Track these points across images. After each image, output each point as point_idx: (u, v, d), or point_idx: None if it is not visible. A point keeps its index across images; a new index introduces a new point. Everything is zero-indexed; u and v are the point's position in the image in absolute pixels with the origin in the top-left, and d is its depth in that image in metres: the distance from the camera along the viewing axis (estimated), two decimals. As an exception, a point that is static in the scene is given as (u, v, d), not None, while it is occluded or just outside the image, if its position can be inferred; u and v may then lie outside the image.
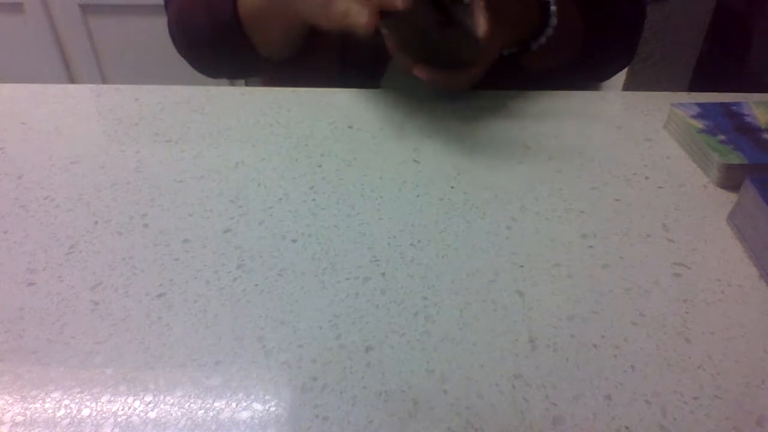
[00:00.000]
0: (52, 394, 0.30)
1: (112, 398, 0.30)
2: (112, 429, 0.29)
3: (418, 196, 0.43)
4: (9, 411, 0.29)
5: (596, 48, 0.61)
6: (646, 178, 0.46)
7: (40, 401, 0.30)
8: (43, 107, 0.55)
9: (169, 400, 0.30)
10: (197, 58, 0.65)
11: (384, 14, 0.44)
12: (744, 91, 0.55)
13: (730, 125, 0.48)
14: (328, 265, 0.38)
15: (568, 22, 0.56)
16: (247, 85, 0.76)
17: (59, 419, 0.29)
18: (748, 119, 0.48)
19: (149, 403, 0.30)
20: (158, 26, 1.52)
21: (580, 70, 0.63)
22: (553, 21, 0.54)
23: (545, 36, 0.55)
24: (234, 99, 0.56)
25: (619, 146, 0.49)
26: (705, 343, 0.33)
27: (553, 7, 0.54)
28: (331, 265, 0.38)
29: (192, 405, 0.30)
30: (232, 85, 0.63)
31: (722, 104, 0.50)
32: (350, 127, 0.51)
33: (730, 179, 0.44)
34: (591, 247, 0.39)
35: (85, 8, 1.53)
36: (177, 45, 0.66)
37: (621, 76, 1.30)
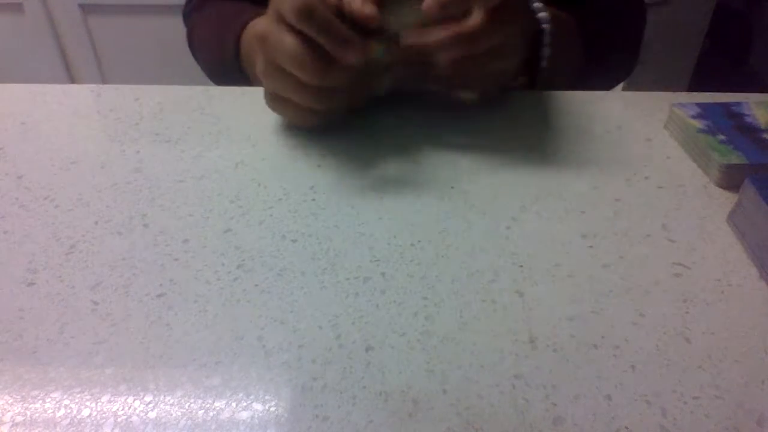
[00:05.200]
0: (52, 394, 0.30)
1: (112, 398, 0.30)
2: (112, 429, 0.29)
3: (418, 196, 0.43)
4: (9, 411, 0.29)
5: (598, 59, 0.60)
6: (646, 178, 0.46)
7: (40, 401, 0.30)
8: (43, 107, 0.55)
9: (169, 400, 0.30)
10: (214, 77, 0.68)
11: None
12: (744, 91, 0.55)
13: (730, 125, 0.48)
14: (328, 265, 0.38)
15: (565, 40, 0.55)
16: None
17: (59, 419, 0.29)
18: (748, 119, 0.48)
19: (149, 403, 0.30)
20: (158, 26, 1.52)
21: (582, 82, 0.63)
22: (546, 51, 0.53)
23: (543, 59, 0.54)
24: (234, 99, 0.56)
25: (619, 146, 0.49)
26: (705, 343, 0.33)
27: (545, 26, 0.52)
28: (331, 265, 0.38)
29: (192, 405, 0.30)
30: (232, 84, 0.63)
31: (722, 104, 0.50)
32: (350, 127, 0.51)
33: (730, 179, 0.44)
34: (591, 247, 0.39)
35: (85, 8, 1.53)
36: (196, 60, 0.67)
37: (621, 76, 1.30)
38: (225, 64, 0.60)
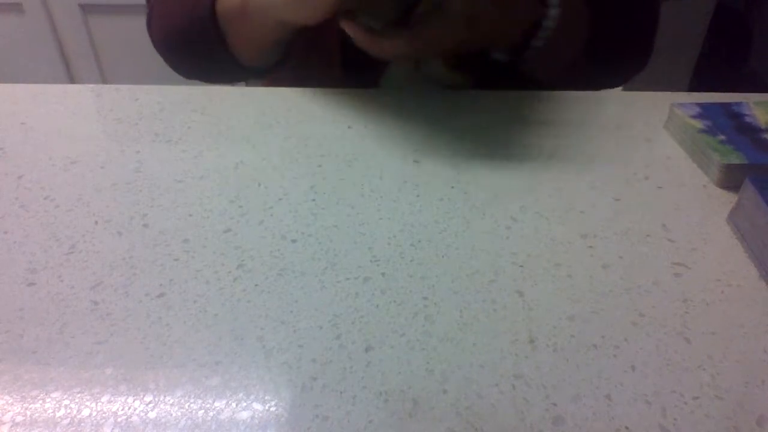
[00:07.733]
0: (52, 394, 0.30)
1: (112, 398, 0.30)
2: (112, 429, 0.29)
3: (418, 196, 0.43)
4: (9, 411, 0.29)
5: (606, 44, 0.58)
6: (646, 178, 0.46)
7: (40, 401, 0.30)
8: (43, 107, 0.55)
9: (169, 400, 0.30)
10: (173, 56, 0.63)
11: None
12: (744, 91, 0.55)
13: (730, 125, 0.48)
14: (328, 265, 0.38)
15: (572, 13, 0.52)
16: (247, 85, 0.76)
17: (59, 419, 0.29)
18: (748, 119, 0.48)
19: (149, 403, 0.30)
20: (158, 26, 1.52)
21: (589, 73, 0.60)
22: (553, 12, 0.50)
23: (545, 30, 0.50)
24: (234, 99, 0.56)
25: (619, 146, 0.49)
26: (705, 343, 0.33)
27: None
28: (331, 265, 0.38)
29: (192, 405, 0.30)
30: (232, 85, 0.63)
31: (722, 104, 0.50)
32: (350, 127, 0.51)
33: (730, 179, 0.44)
34: (591, 247, 0.39)
35: (85, 8, 1.53)
36: (154, 42, 0.64)
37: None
38: (193, 26, 0.57)
